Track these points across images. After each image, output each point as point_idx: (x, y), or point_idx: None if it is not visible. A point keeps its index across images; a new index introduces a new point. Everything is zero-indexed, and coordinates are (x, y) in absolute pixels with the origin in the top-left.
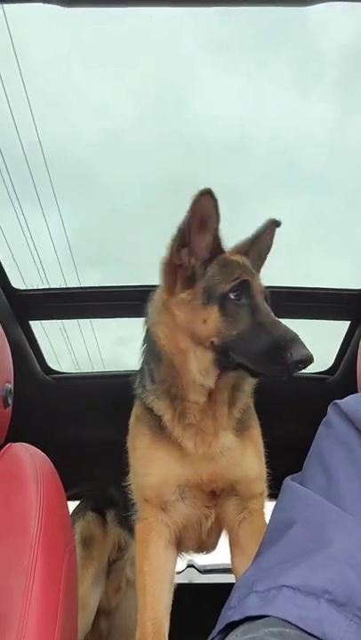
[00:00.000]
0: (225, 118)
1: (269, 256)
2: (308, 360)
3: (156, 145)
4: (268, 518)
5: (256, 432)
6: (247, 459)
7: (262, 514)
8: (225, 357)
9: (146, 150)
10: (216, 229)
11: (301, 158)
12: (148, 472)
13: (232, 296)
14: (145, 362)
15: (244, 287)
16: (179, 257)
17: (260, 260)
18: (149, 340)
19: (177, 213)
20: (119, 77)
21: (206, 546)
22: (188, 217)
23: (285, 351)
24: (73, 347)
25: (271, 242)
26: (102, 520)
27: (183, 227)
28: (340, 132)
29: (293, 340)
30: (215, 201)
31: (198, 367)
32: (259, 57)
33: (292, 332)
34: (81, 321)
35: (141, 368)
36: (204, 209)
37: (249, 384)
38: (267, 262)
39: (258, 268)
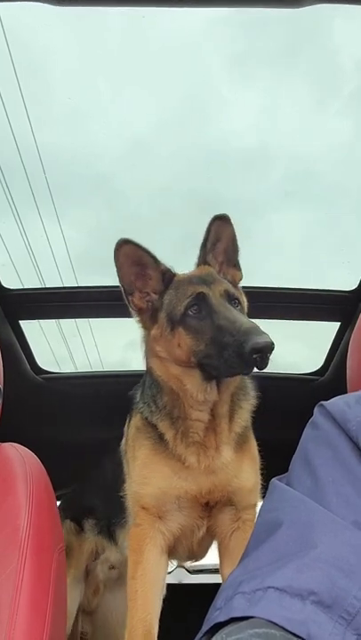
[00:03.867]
0: (242, 130)
1: (270, 258)
2: (265, 347)
3: (173, 156)
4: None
5: (253, 445)
6: (245, 471)
7: (254, 523)
8: (206, 371)
9: (164, 160)
10: (154, 261)
11: (317, 170)
12: (147, 482)
13: (191, 313)
14: (148, 387)
15: (200, 299)
16: (134, 305)
17: (225, 253)
18: (149, 371)
19: (193, 222)
20: (139, 89)
21: (197, 555)
22: (118, 271)
23: (242, 345)
24: (84, 349)
25: (224, 234)
26: (79, 529)
27: (121, 281)
28: (356, 144)
29: (247, 331)
30: (133, 243)
31: (195, 386)
32: (277, 70)
33: (247, 323)
34: (89, 324)
35: (144, 390)
36: (130, 256)
37: (248, 402)
38: (264, 264)
39: (231, 260)
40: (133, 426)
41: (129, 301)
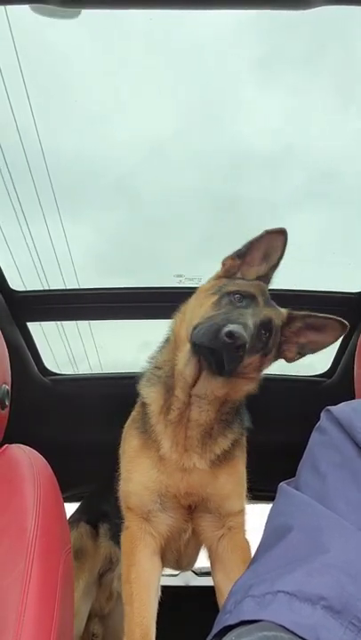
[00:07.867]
0: (262, 133)
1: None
2: (233, 333)
3: (192, 158)
4: (262, 523)
5: (239, 461)
6: (220, 480)
7: (242, 531)
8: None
9: (182, 163)
10: (274, 266)
11: (338, 172)
12: (130, 477)
13: (233, 296)
14: (159, 349)
15: (249, 297)
16: (230, 259)
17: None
18: (170, 328)
19: (212, 225)
20: (158, 91)
21: (183, 562)
22: (257, 240)
23: (223, 326)
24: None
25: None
26: (95, 533)
27: (249, 243)
28: None
29: (233, 320)
30: (285, 243)
31: (184, 355)
32: (299, 72)
33: (243, 317)
34: (90, 326)
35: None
36: (273, 243)
37: (234, 433)
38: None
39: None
40: (130, 417)
41: (233, 258)
